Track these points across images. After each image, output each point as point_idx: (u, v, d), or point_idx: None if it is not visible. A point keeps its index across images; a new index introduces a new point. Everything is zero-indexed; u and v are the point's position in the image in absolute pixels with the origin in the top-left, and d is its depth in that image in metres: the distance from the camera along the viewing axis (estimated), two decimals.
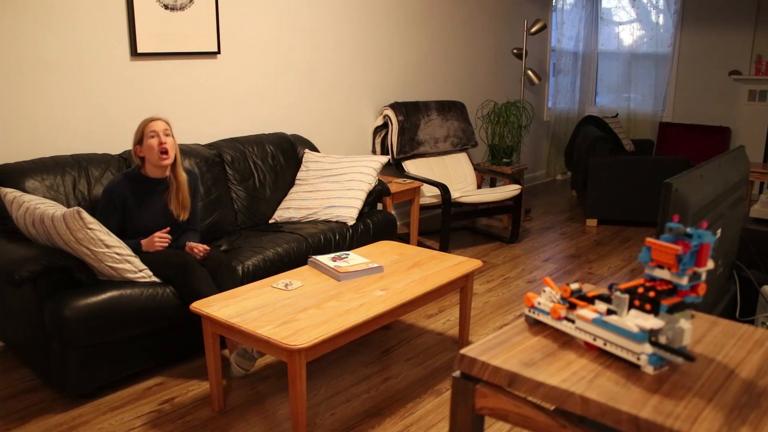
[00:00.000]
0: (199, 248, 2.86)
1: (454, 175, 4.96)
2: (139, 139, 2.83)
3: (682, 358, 1.05)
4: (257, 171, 3.71)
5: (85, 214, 2.44)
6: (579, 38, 7.00)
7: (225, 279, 2.79)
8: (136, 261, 2.66)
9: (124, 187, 2.83)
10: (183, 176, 2.93)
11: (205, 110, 3.79)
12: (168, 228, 2.90)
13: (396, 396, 2.65)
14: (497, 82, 6.13)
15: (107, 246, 2.53)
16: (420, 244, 4.65)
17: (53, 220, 2.45)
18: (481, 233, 5.12)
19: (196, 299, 2.59)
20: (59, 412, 2.50)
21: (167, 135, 2.84)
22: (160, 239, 2.82)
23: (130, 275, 2.62)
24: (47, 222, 2.47)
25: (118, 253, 2.57)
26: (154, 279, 2.69)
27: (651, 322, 1.07)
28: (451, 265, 2.91)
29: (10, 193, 2.67)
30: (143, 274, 2.66)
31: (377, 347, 3.09)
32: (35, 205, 2.56)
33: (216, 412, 2.51)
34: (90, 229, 2.46)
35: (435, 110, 4.96)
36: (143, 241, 2.82)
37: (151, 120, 2.83)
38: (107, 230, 2.57)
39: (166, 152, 2.82)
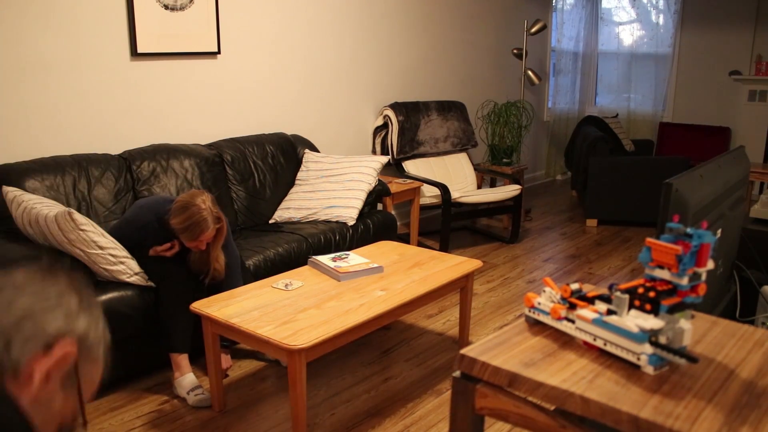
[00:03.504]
0: (158, 249, 2.70)
1: (454, 175, 4.96)
2: (186, 229, 2.54)
3: (686, 360, 1.04)
4: (257, 171, 3.71)
5: (76, 215, 2.42)
6: (579, 38, 6.99)
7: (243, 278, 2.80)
8: (132, 263, 2.63)
9: (150, 235, 2.68)
10: (220, 261, 2.67)
11: (205, 110, 3.79)
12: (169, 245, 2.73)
13: (396, 396, 2.65)
14: (497, 82, 6.13)
15: (101, 247, 2.52)
16: (420, 244, 4.65)
17: (47, 220, 2.44)
18: (481, 233, 5.12)
19: (163, 316, 2.59)
20: None
21: (209, 239, 2.61)
22: (164, 251, 2.73)
23: (125, 277, 2.60)
24: (41, 222, 2.47)
25: (112, 255, 2.56)
26: (150, 284, 2.67)
27: (651, 322, 1.07)
28: (451, 265, 2.91)
29: (11, 192, 2.68)
30: (138, 277, 2.64)
31: (377, 347, 3.09)
32: (32, 205, 2.56)
33: (216, 412, 2.51)
34: (82, 230, 2.45)
35: (435, 110, 4.96)
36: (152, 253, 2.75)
37: (204, 231, 2.54)
38: (102, 231, 2.55)
39: (197, 250, 2.65)
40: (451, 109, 5.08)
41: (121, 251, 2.60)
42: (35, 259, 2.40)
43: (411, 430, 2.42)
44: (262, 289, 2.58)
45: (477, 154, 5.85)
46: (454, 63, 5.54)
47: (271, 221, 3.69)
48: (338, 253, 2.94)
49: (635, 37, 6.99)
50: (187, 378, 2.59)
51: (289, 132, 4.25)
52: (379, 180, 3.89)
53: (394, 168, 4.70)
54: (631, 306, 1.13)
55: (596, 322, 1.14)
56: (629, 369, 1.10)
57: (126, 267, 2.60)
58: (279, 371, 2.84)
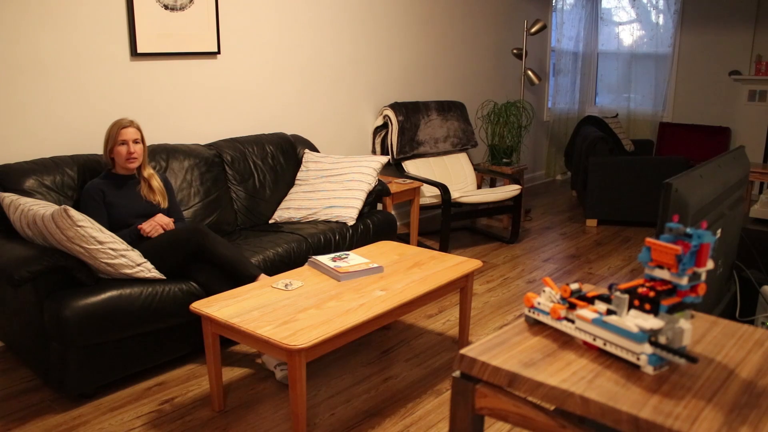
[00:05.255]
0: (148, 225, 2.91)
1: (454, 175, 4.96)
2: (109, 139, 2.91)
3: (685, 360, 1.04)
4: (257, 171, 3.71)
5: (72, 212, 2.42)
6: (579, 38, 6.99)
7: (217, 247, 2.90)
8: (133, 255, 2.64)
9: (100, 185, 2.91)
10: (150, 171, 3.03)
11: (205, 110, 3.79)
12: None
13: (396, 396, 2.65)
14: (497, 82, 6.13)
15: (100, 242, 2.52)
16: (420, 244, 4.65)
17: (44, 220, 2.44)
18: (481, 233, 5.12)
19: (221, 260, 2.76)
20: (59, 412, 2.50)
21: (136, 143, 2.92)
22: (161, 223, 2.92)
23: (128, 270, 2.60)
24: (39, 222, 2.47)
25: (112, 249, 2.56)
26: (154, 274, 2.68)
27: (651, 322, 1.07)
28: (451, 265, 2.91)
29: (8, 197, 2.68)
30: (141, 268, 2.64)
31: (377, 347, 3.09)
32: (29, 207, 2.56)
33: (216, 412, 2.51)
34: (79, 226, 2.45)
35: (435, 110, 4.96)
36: (143, 225, 2.88)
37: (122, 127, 2.89)
38: (99, 227, 2.55)
39: (133, 160, 2.92)
40: (450, 109, 5.08)
41: (120, 245, 2.60)
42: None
43: (411, 430, 2.42)
44: (262, 289, 2.58)
45: (477, 154, 5.85)
46: (454, 63, 5.54)
47: (270, 221, 3.69)
48: (338, 253, 2.94)
49: (635, 37, 6.99)
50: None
51: (289, 132, 4.25)
52: (379, 180, 3.89)
53: (394, 168, 4.70)
54: (630, 306, 1.13)
55: (596, 322, 1.14)
56: (629, 369, 1.10)
57: (127, 259, 2.60)
58: None
